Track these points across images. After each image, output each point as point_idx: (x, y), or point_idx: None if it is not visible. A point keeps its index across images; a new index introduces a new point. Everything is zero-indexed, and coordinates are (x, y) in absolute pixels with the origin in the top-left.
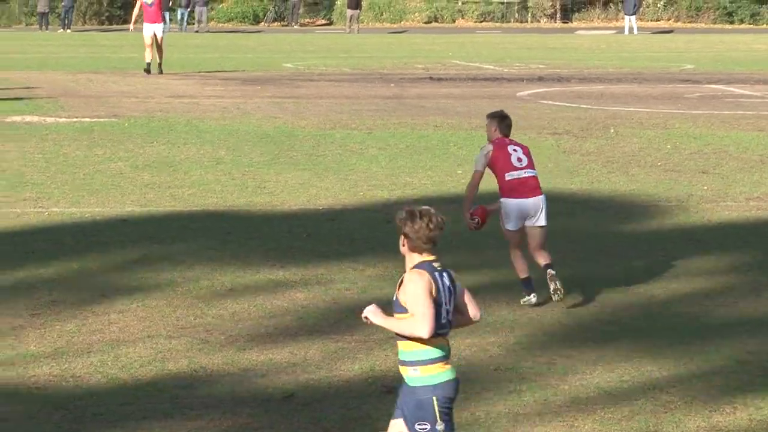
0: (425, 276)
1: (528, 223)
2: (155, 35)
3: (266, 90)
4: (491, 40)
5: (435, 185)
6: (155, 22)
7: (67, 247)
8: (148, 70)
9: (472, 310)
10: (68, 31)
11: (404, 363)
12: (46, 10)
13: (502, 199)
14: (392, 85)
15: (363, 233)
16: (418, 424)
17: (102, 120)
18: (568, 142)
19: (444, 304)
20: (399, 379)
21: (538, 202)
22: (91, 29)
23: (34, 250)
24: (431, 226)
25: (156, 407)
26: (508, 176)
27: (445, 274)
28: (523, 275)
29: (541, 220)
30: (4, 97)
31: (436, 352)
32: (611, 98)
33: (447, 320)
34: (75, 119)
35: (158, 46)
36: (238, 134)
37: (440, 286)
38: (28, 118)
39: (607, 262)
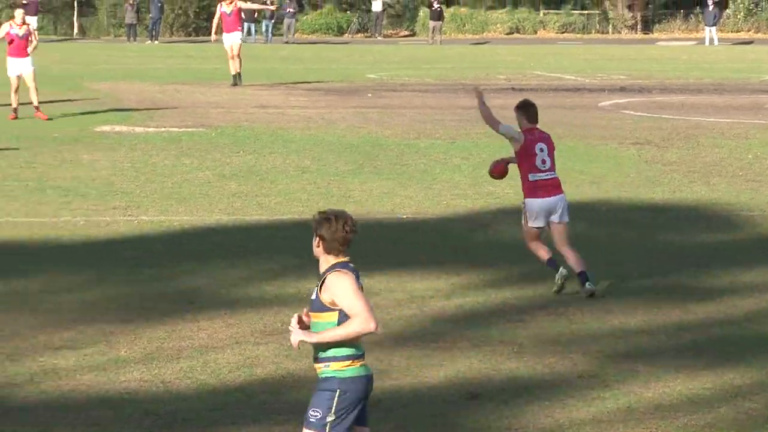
0: (350, 275)
1: (552, 219)
2: (233, 45)
3: (351, 100)
4: (573, 51)
5: (517, 194)
6: (232, 31)
7: (157, 254)
8: (235, 83)
9: None
10: (156, 42)
11: (318, 360)
12: (134, 22)
13: (527, 200)
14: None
15: (447, 241)
16: (312, 410)
17: (190, 130)
18: (650, 152)
19: None
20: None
21: (560, 199)
22: (178, 41)
23: (124, 258)
24: (347, 228)
25: (244, 412)
26: (531, 177)
27: (358, 274)
28: (546, 257)
29: (564, 217)
30: (96, 109)
31: (350, 351)
32: (692, 108)
33: None
34: (163, 129)
35: (236, 56)
36: (323, 144)
37: (360, 284)
38: (117, 128)
39: (688, 271)
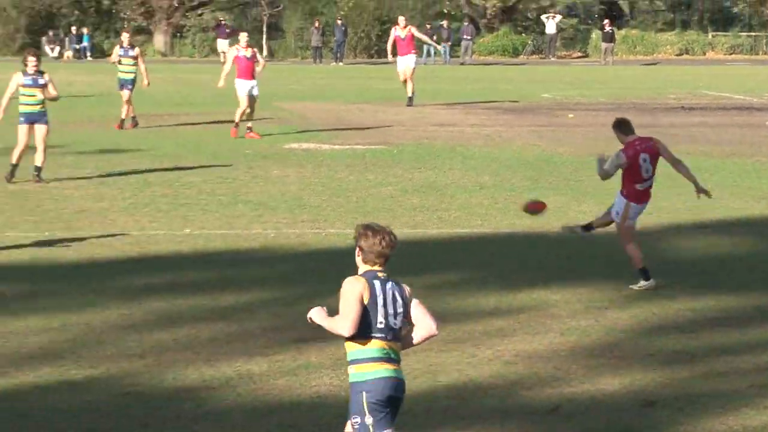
0: (360, 281)
1: None
2: (406, 68)
3: (526, 118)
4: (740, 71)
5: (688, 210)
6: (406, 54)
7: (343, 266)
8: (410, 103)
9: (426, 323)
10: (340, 63)
11: (348, 363)
12: (320, 45)
13: (632, 203)
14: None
15: (621, 255)
16: (353, 418)
17: (373, 147)
18: None
19: (382, 309)
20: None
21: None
22: (361, 62)
23: (314, 270)
24: (383, 243)
25: (429, 418)
26: (638, 186)
27: (390, 283)
28: (640, 265)
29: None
30: (284, 127)
31: (371, 353)
32: None
33: (387, 325)
34: (348, 146)
35: (410, 78)
36: (499, 160)
37: (377, 291)
38: (305, 146)
39: None
